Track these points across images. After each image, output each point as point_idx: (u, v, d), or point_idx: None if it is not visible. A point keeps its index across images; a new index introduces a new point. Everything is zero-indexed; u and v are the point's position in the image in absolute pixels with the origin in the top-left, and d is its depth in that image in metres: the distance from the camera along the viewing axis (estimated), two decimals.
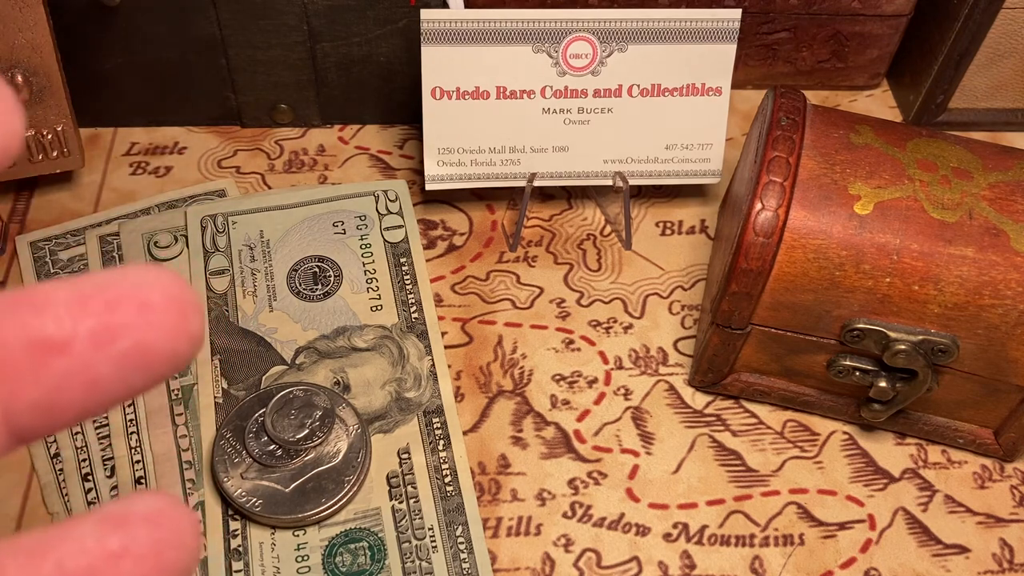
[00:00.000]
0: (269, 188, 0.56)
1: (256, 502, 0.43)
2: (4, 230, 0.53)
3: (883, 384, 0.44)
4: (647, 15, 0.50)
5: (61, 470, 0.45)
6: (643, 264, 0.54)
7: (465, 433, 0.47)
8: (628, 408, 0.49)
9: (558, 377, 0.50)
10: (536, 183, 0.53)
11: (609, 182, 0.54)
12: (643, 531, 0.45)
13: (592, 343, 0.51)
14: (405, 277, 0.52)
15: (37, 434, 0.14)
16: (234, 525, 0.43)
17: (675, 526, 0.45)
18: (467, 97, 0.51)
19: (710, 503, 0.46)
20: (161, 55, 0.55)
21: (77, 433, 0.46)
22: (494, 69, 0.50)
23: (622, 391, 0.49)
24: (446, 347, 0.50)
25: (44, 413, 0.14)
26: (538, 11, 0.49)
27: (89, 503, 0.44)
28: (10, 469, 0.45)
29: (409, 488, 0.45)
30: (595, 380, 0.50)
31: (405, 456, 0.46)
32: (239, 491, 0.43)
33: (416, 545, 0.43)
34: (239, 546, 0.43)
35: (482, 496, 0.45)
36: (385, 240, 0.53)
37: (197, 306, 0.15)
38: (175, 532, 0.14)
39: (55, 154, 0.52)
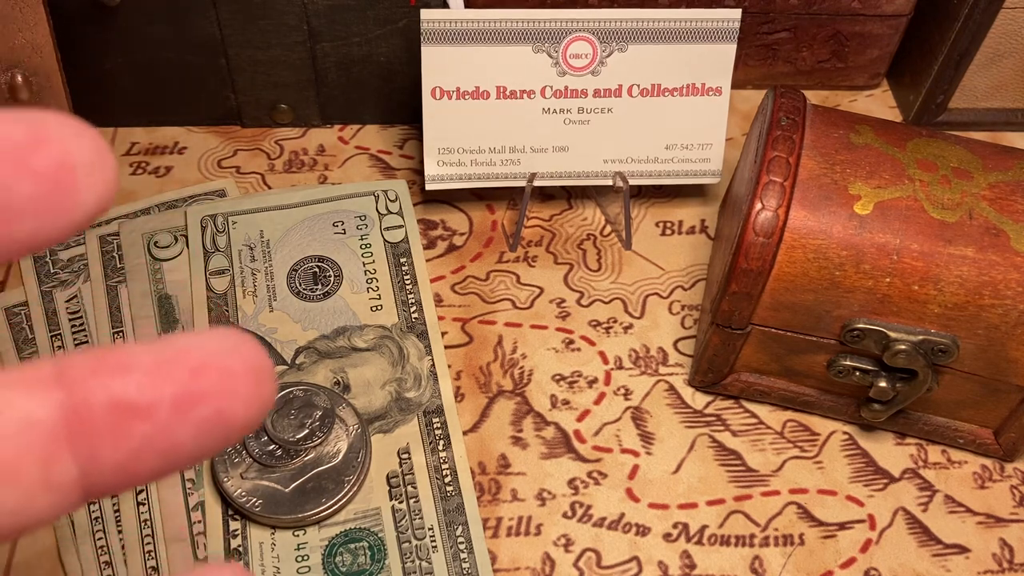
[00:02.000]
0: (269, 188, 0.56)
1: (256, 502, 0.43)
2: None
3: (883, 384, 0.44)
4: (647, 15, 0.50)
5: None
6: (643, 264, 0.54)
7: (465, 433, 0.47)
8: (628, 408, 0.49)
9: (558, 377, 0.50)
10: (536, 183, 0.53)
11: (609, 182, 0.54)
12: (643, 531, 0.45)
13: (592, 343, 0.51)
14: (405, 277, 0.52)
15: (109, 492, 0.14)
16: (234, 525, 0.43)
17: (675, 526, 0.45)
18: (467, 97, 0.51)
19: (710, 503, 0.46)
20: (161, 55, 0.55)
21: None
22: (494, 69, 0.50)
23: (622, 391, 0.49)
24: (446, 347, 0.50)
25: (120, 475, 0.14)
26: (538, 11, 0.49)
27: (90, 503, 0.44)
28: None
29: (409, 488, 0.45)
30: (595, 380, 0.50)
31: (405, 456, 0.46)
32: (239, 491, 0.43)
33: (416, 545, 0.43)
34: (239, 546, 0.43)
35: (482, 496, 0.45)
36: (385, 240, 0.53)
37: (272, 373, 0.15)
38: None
39: None
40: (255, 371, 0.14)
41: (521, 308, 0.52)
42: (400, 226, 0.54)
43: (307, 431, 0.44)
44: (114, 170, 0.14)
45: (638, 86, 0.52)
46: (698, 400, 0.49)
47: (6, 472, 0.13)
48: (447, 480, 0.45)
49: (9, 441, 0.13)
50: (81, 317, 0.50)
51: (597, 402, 0.49)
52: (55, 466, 0.13)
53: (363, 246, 0.53)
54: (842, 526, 0.46)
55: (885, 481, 0.47)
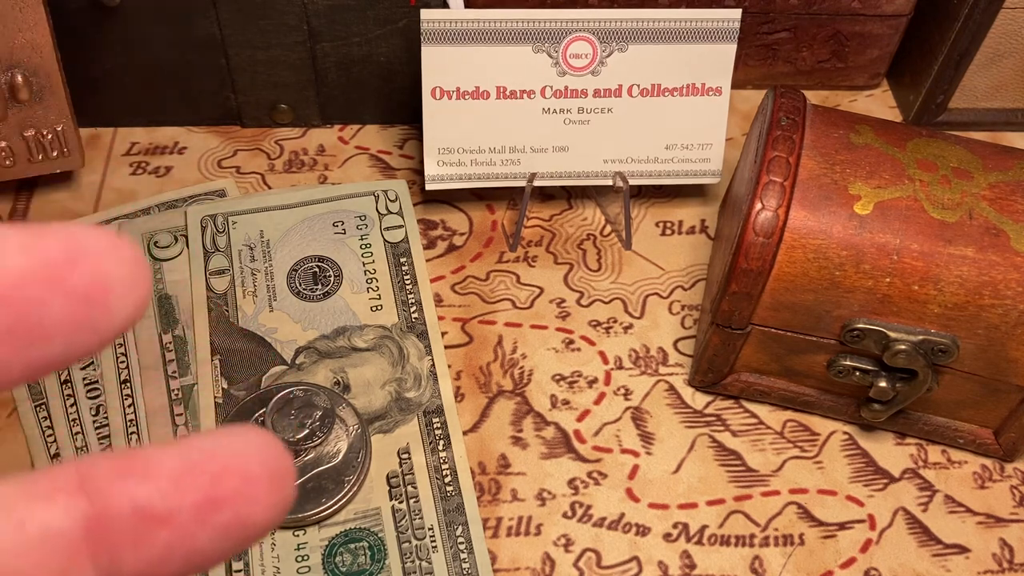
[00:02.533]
0: (269, 188, 0.56)
1: None
2: None
3: (883, 384, 0.44)
4: (647, 15, 0.50)
5: None
6: (643, 264, 0.54)
7: (465, 433, 0.47)
8: (628, 408, 0.49)
9: (558, 377, 0.50)
10: (536, 183, 0.53)
11: (609, 182, 0.54)
12: (643, 531, 0.45)
13: (592, 343, 0.51)
14: (405, 277, 0.52)
15: None
16: None
17: (675, 526, 0.45)
18: (467, 97, 0.51)
19: (710, 503, 0.46)
20: (161, 55, 0.55)
21: (77, 433, 0.46)
22: (494, 69, 0.50)
23: (622, 391, 0.49)
24: (446, 347, 0.50)
25: None
26: (538, 11, 0.49)
27: None
28: (9, 470, 0.45)
29: (409, 488, 0.45)
30: (595, 380, 0.50)
31: (405, 456, 0.46)
32: None
33: (416, 545, 0.43)
34: None
35: (482, 496, 0.45)
36: (385, 240, 0.53)
37: (292, 474, 0.15)
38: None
39: (55, 154, 0.52)
40: (275, 476, 0.14)
41: (521, 308, 0.52)
42: (400, 226, 0.54)
43: (307, 431, 0.44)
44: (148, 284, 0.14)
45: (638, 86, 0.52)
46: (698, 400, 0.49)
47: None
48: (447, 480, 0.45)
49: (29, 554, 0.13)
50: None
51: (597, 402, 0.49)
52: (75, 574, 0.13)
53: (363, 246, 0.53)
54: (842, 526, 0.46)
55: (885, 481, 0.47)
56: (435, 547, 0.43)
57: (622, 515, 0.45)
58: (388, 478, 0.45)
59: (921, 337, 0.42)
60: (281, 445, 0.15)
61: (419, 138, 0.58)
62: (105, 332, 0.14)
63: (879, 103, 0.64)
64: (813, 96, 0.63)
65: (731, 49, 0.51)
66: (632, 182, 0.53)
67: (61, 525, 0.13)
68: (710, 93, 0.52)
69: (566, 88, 0.51)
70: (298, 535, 0.43)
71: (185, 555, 0.14)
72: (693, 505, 0.46)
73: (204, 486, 0.14)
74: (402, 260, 0.53)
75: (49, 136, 0.51)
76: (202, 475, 0.14)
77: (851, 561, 0.45)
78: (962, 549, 0.45)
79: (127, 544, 0.14)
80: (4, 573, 0.13)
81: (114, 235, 0.14)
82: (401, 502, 0.44)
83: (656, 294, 0.53)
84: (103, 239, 0.13)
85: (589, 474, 0.47)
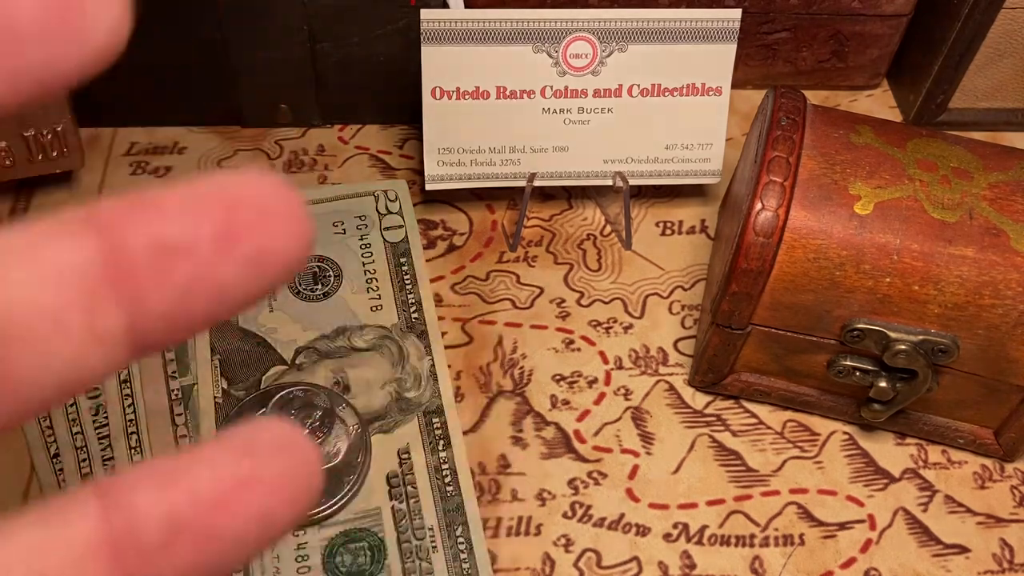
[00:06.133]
0: None
1: None
2: None
3: (883, 384, 0.44)
4: (647, 15, 0.50)
5: (61, 470, 0.45)
6: (643, 264, 0.54)
7: (465, 433, 0.47)
8: (628, 408, 0.49)
9: (558, 377, 0.50)
10: (536, 183, 0.53)
11: (609, 182, 0.54)
12: (643, 531, 0.45)
13: (592, 343, 0.51)
14: (405, 277, 0.52)
15: (160, 345, 0.14)
16: None
17: (675, 526, 0.45)
18: (467, 97, 0.51)
19: (710, 503, 0.46)
20: (161, 55, 0.55)
21: (77, 433, 0.46)
22: (494, 69, 0.50)
23: (622, 391, 0.49)
24: (446, 347, 0.50)
25: (170, 322, 0.13)
26: (538, 11, 0.49)
27: None
28: (9, 470, 0.45)
29: (409, 488, 0.45)
30: (595, 380, 0.50)
31: (405, 456, 0.46)
32: None
33: (416, 545, 0.43)
34: None
35: (482, 496, 0.45)
36: (385, 240, 0.53)
37: (305, 208, 0.14)
38: (302, 461, 0.14)
39: (55, 154, 0.52)
40: (289, 205, 0.14)
41: (521, 308, 0.52)
42: (400, 226, 0.54)
43: (307, 431, 0.44)
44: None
45: (638, 86, 0.52)
46: (698, 400, 0.49)
47: (51, 321, 0.12)
48: (447, 480, 0.45)
49: (48, 289, 0.12)
50: None
51: (597, 402, 0.49)
52: (101, 313, 0.13)
53: (363, 246, 0.53)
54: (842, 526, 0.46)
55: (885, 481, 0.47)
56: (435, 547, 0.43)
57: (622, 515, 0.45)
58: (388, 478, 0.45)
59: (921, 337, 0.42)
60: (288, 183, 0.14)
61: (419, 138, 0.58)
62: (86, 41, 0.13)
63: (879, 103, 0.64)
64: (813, 96, 0.63)
65: (731, 49, 0.51)
66: (632, 182, 0.53)
67: (78, 260, 0.13)
68: (710, 93, 0.52)
69: (566, 88, 0.51)
70: (298, 535, 0.43)
71: (212, 290, 0.13)
72: (693, 505, 0.46)
73: (219, 217, 0.13)
74: (402, 260, 0.53)
75: (49, 136, 0.51)
76: (214, 206, 0.13)
77: (851, 561, 0.45)
78: (962, 549, 0.45)
79: (149, 279, 0.13)
80: (27, 311, 0.12)
81: None
82: (401, 502, 0.44)
83: (656, 294, 0.53)
84: None
85: (589, 474, 0.47)
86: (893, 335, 0.42)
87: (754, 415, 0.49)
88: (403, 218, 0.54)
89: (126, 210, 0.13)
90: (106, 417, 0.46)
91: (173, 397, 0.47)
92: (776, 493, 0.46)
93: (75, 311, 0.13)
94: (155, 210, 0.13)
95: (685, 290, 0.53)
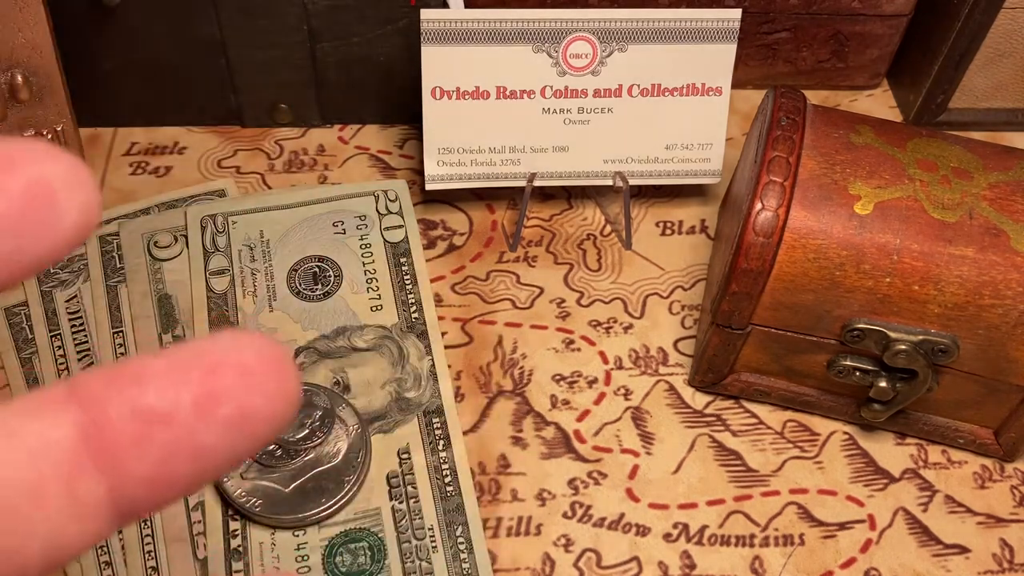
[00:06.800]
0: (269, 188, 0.56)
1: (256, 502, 0.43)
2: None
3: (883, 384, 0.44)
4: (647, 15, 0.50)
5: None
6: (643, 264, 0.54)
7: (465, 433, 0.47)
8: (628, 408, 0.49)
9: (558, 377, 0.50)
10: (536, 183, 0.53)
11: (609, 182, 0.54)
12: (643, 531, 0.45)
13: (592, 343, 0.51)
14: (405, 277, 0.52)
15: (144, 511, 0.14)
16: (234, 525, 0.43)
17: (675, 526, 0.45)
18: (467, 97, 0.51)
19: (710, 503, 0.46)
20: (161, 55, 0.55)
21: None
22: (494, 69, 0.50)
23: (622, 391, 0.49)
24: (446, 347, 0.50)
25: (152, 488, 0.14)
26: (538, 11, 0.49)
27: None
28: None
29: (409, 488, 0.45)
30: (595, 380, 0.50)
31: (405, 456, 0.46)
32: (239, 491, 0.43)
33: (416, 545, 0.43)
34: (239, 546, 0.43)
35: (482, 496, 0.45)
36: (385, 240, 0.53)
37: (293, 365, 0.14)
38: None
39: None
40: (273, 364, 0.14)
41: (521, 308, 0.52)
42: (400, 226, 0.54)
43: (307, 431, 0.44)
44: (92, 184, 0.14)
45: (638, 86, 0.52)
46: (698, 400, 0.49)
47: (30, 496, 0.13)
48: (447, 480, 0.45)
49: (27, 464, 0.13)
50: (81, 317, 0.50)
51: (597, 402, 0.49)
52: (81, 485, 0.13)
53: (363, 246, 0.53)
54: (842, 526, 0.46)
55: (885, 481, 0.47)
56: (435, 547, 0.43)
57: (622, 515, 0.45)
58: (388, 478, 0.45)
59: (921, 337, 0.42)
60: (273, 339, 0.14)
61: (419, 138, 0.58)
62: (60, 230, 0.13)
63: (879, 103, 0.64)
64: (813, 96, 0.63)
65: (731, 49, 0.51)
66: (632, 182, 0.53)
67: (55, 435, 0.13)
68: (710, 93, 0.52)
69: (566, 88, 0.51)
70: (298, 535, 0.43)
71: (192, 454, 0.13)
72: (693, 505, 0.46)
73: (200, 381, 0.13)
74: (402, 260, 0.53)
75: (49, 136, 0.51)
76: (196, 371, 0.13)
77: (851, 561, 0.45)
78: (962, 549, 0.45)
79: (128, 447, 0.13)
80: (8, 487, 0.13)
81: (47, 143, 0.13)
82: (401, 502, 0.44)
83: (656, 294, 0.53)
84: (36, 147, 0.13)
85: (589, 474, 0.47)
86: (893, 335, 0.42)
87: (754, 415, 0.49)
88: (403, 218, 0.54)
89: (107, 381, 0.14)
90: None
91: None
92: (776, 493, 0.46)
93: (54, 484, 0.13)
94: (135, 380, 0.14)
95: (685, 290, 0.53)
